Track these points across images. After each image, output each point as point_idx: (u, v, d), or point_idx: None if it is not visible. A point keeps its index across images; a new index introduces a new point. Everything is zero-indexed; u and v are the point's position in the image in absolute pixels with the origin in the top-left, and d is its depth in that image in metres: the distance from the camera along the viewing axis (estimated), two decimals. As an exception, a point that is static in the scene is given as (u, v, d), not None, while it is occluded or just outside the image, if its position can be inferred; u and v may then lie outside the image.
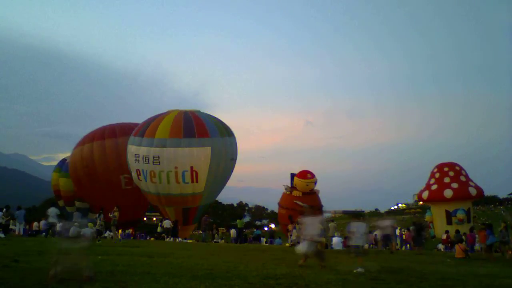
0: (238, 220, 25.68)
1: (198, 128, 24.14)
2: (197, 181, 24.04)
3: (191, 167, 23.71)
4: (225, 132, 25.20)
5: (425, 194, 26.52)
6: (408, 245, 25.04)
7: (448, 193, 25.01)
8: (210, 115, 26.93)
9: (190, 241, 25.64)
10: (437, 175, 26.47)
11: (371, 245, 26.79)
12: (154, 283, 5.95)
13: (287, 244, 23.70)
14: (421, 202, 51.98)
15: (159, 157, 23.58)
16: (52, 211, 22.11)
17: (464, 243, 17.50)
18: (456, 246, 15.52)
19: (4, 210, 19.00)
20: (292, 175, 32.59)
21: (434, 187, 25.97)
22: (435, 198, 26.01)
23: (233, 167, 26.35)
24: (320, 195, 32.41)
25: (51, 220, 23.57)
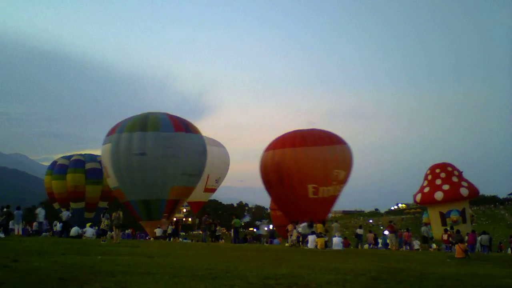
0: (235, 220, 25.53)
1: (113, 127, 26.55)
2: (108, 176, 26.40)
3: (103, 163, 26.82)
4: (136, 127, 25.31)
5: (418, 197, 26.62)
6: (408, 246, 25.07)
7: (438, 195, 25.03)
8: (154, 114, 27.29)
9: (190, 241, 25.65)
10: (429, 177, 26.50)
11: (371, 245, 26.85)
12: (154, 283, 5.95)
13: (286, 244, 23.71)
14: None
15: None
16: (40, 212, 22.26)
17: (464, 243, 17.47)
18: (456, 246, 15.52)
19: (5, 209, 19.03)
20: None
21: (426, 189, 26.00)
22: (427, 200, 26.08)
23: (166, 163, 25.23)
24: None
25: (40, 220, 24.02)
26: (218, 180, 36.47)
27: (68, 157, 34.92)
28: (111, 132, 26.05)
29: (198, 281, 6.25)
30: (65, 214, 22.83)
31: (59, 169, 33.77)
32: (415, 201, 29.21)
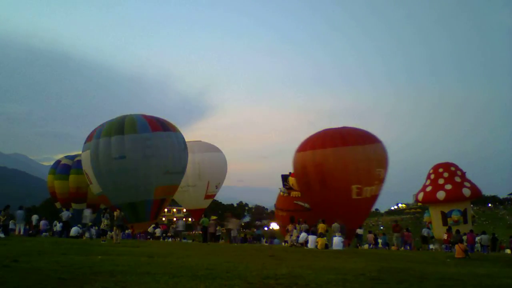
0: (203, 219, 25.69)
1: (91, 133, 26.78)
2: (90, 182, 26.49)
3: (84, 170, 26.93)
4: (112, 132, 25.41)
5: (420, 196, 26.71)
6: (408, 246, 25.07)
7: (440, 194, 25.08)
8: (130, 116, 27.17)
9: (191, 241, 25.67)
10: (432, 176, 26.57)
11: (371, 245, 26.83)
12: (154, 283, 5.95)
13: (285, 244, 23.73)
14: (419, 203, 51.92)
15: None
16: (20, 214, 22.26)
17: (464, 243, 17.48)
18: (456, 246, 15.51)
19: (3, 210, 19.05)
20: (284, 176, 32.63)
21: (429, 188, 26.06)
22: (429, 199, 26.12)
23: (147, 164, 25.43)
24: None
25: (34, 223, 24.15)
26: (218, 186, 36.49)
27: (72, 157, 34.85)
28: (89, 139, 26.20)
29: (198, 281, 6.25)
30: (65, 214, 22.89)
31: (62, 169, 33.73)
32: (417, 199, 29.27)
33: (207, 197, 34.82)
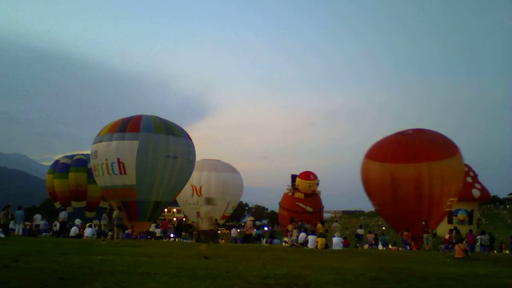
0: (197, 218, 26.04)
1: (132, 124, 25.88)
2: (125, 173, 25.35)
3: (118, 159, 25.36)
4: (163, 130, 25.80)
5: None
6: (408, 246, 25.06)
7: None
8: (163, 119, 27.53)
9: (191, 241, 25.67)
10: None
11: (371, 245, 26.84)
12: (154, 283, 5.95)
13: (285, 244, 23.75)
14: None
15: (96, 152, 26.15)
16: (19, 214, 22.18)
17: (464, 243, 17.48)
18: (456, 246, 15.51)
19: (3, 209, 19.07)
20: (293, 176, 32.52)
21: None
22: None
23: (185, 168, 26.55)
24: (321, 196, 32.47)
25: (37, 223, 24.18)
26: (234, 207, 36.71)
27: (71, 157, 34.97)
28: (133, 129, 25.53)
29: (198, 281, 6.25)
30: (62, 214, 22.94)
31: (61, 168, 33.83)
32: None
33: (223, 217, 34.92)
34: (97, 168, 26.30)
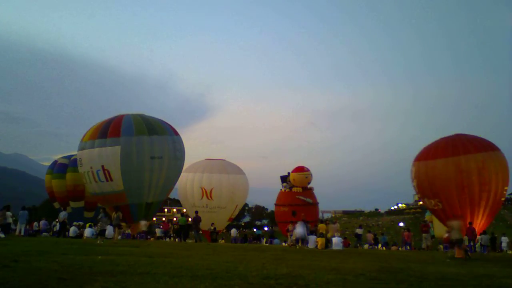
0: (181, 218, 26.13)
1: (112, 128, 25.55)
2: (111, 179, 25.18)
3: (102, 166, 25.17)
4: (145, 130, 25.42)
5: None
6: (408, 246, 25.08)
7: None
8: (146, 117, 27.20)
9: (190, 241, 25.69)
10: None
11: (371, 246, 26.87)
12: (154, 283, 5.95)
13: (284, 244, 23.73)
14: (420, 202, 51.70)
15: (81, 159, 26.14)
16: (23, 214, 22.19)
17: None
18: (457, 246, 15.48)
19: (3, 210, 19.06)
20: (283, 177, 33.13)
21: None
22: None
23: (173, 166, 26.22)
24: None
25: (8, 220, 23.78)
26: (240, 208, 36.42)
27: (68, 157, 34.99)
28: (114, 134, 25.34)
29: (198, 281, 6.25)
30: (61, 214, 22.98)
31: (59, 168, 33.88)
32: (420, 198, 29.41)
33: (230, 219, 34.71)
34: (84, 176, 26.31)
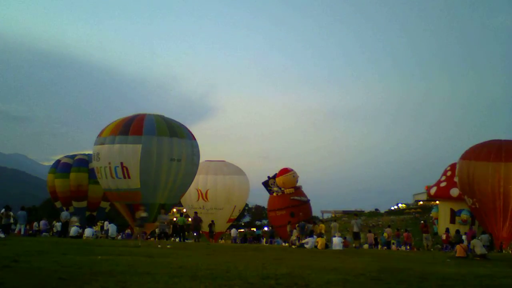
0: (180, 218, 26.28)
1: (134, 126, 25.36)
2: (129, 177, 25.05)
3: (121, 163, 24.92)
4: (167, 132, 25.37)
5: (433, 190, 26.96)
6: (408, 246, 25.09)
7: (454, 191, 25.32)
8: (166, 118, 27.18)
9: (190, 241, 25.72)
10: (448, 173, 26.84)
11: (372, 246, 26.84)
12: (154, 283, 5.95)
13: (285, 245, 23.75)
14: (420, 202, 51.66)
15: (98, 154, 25.66)
16: (22, 214, 22.16)
17: (464, 242, 17.49)
18: (457, 246, 15.53)
19: (3, 210, 19.07)
20: (265, 183, 33.29)
21: (443, 184, 26.37)
22: (442, 195, 26.38)
23: (189, 170, 26.27)
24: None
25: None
26: (240, 210, 36.34)
27: (72, 156, 34.99)
28: (136, 132, 25.30)
29: (198, 281, 6.25)
30: (63, 214, 22.94)
31: (62, 167, 33.81)
32: (428, 193, 29.47)
33: (229, 220, 34.60)
34: (99, 171, 25.97)
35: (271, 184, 32.83)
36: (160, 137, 25.09)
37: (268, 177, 33.20)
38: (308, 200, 32.97)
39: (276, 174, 32.97)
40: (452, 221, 26.06)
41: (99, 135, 26.52)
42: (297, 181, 32.70)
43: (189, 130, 27.64)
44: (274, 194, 32.80)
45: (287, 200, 31.73)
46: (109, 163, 25.23)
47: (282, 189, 32.16)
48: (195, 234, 27.28)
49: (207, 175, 31.67)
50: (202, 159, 33.08)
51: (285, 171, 32.83)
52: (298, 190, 32.41)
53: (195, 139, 27.65)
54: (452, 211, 26.02)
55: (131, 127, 25.38)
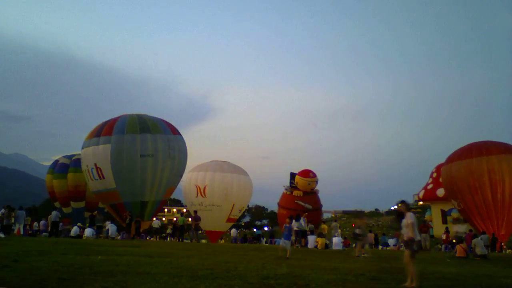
0: (180, 218, 26.48)
1: (106, 127, 25.93)
2: (103, 177, 25.48)
3: (95, 164, 25.57)
4: (137, 129, 25.56)
5: (422, 193, 27.04)
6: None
7: (440, 192, 25.37)
8: (144, 116, 27.28)
9: (188, 241, 25.77)
10: (434, 175, 26.90)
11: (372, 246, 26.83)
12: (154, 283, 5.95)
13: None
14: (420, 202, 51.87)
15: (82, 158, 26.85)
16: (21, 214, 22.21)
17: (464, 242, 17.47)
18: (458, 246, 15.55)
19: (5, 210, 19.03)
20: (292, 174, 32.68)
21: (430, 186, 26.40)
22: (429, 197, 26.44)
23: (169, 165, 26.08)
24: (320, 194, 32.65)
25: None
26: (241, 210, 36.16)
27: (70, 157, 34.93)
28: (106, 133, 25.67)
29: (198, 281, 6.25)
30: (54, 214, 22.99)
31: (60, 168, 33.80)
32: (418, 197, 29.52)
33: (229, 220, 34.52)
34: (85, 174, 26.74)
35: (292, 180, 32.54)
36: (130, 135, 25.33)
37: (293, 174, 32.77)
38: (316, 209, 32.13)
39: (297, 172, 32.42)
40: (444, 221, 26.18)
41: (85, 139, 27.04)
42: (313, 188, 32.12)
43: (169, 126, 27.29)
44: (284, 191, 32.68)
45: (292, 201, 31.54)
46: (87, 166, 26.01)
47: (292, 189, 31.95)
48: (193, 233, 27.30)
49: (206, 172, 31.78)
50: (203, 158, 32.93)
51: (305, 175, 32.06)
52: (308, 196, 31.68)
53: (176, 133, 27.32)
54: (442, 211, 26.14)
55: (104, 129, 26.00)
